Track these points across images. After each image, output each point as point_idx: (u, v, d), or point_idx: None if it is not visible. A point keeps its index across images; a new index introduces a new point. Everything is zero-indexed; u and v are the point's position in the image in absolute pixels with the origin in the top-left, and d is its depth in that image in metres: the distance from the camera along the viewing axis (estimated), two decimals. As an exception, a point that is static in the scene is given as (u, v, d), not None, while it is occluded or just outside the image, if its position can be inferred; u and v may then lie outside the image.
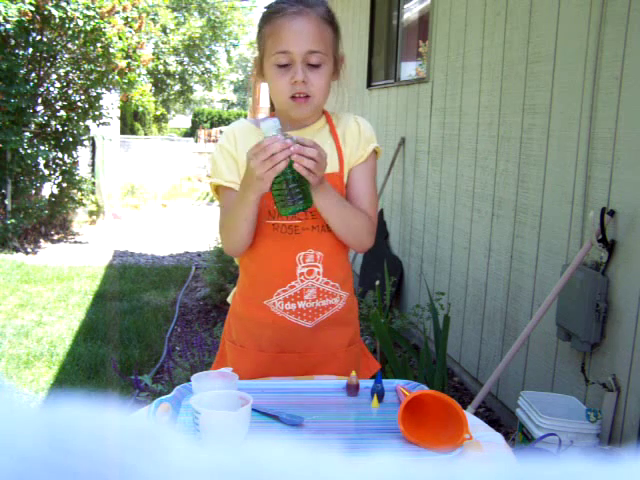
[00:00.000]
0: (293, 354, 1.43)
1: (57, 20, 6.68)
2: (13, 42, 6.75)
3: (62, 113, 7.39)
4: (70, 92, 7.49)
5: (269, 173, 1.20)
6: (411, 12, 4.74)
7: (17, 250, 6.80)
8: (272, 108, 1.51)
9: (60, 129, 7.40)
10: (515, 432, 2.42)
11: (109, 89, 7.78)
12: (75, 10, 6.73)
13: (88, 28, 6.88)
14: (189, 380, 1.20)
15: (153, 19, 17.17)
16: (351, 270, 1.54)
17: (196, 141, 22.90)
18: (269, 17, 1.36)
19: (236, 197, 1.33)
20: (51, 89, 7.35)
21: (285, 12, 1.32)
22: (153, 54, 16.97)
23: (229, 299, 1.58)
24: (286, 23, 1.32)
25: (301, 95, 1.33)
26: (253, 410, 1.08)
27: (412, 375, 2.77)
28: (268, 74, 1.38)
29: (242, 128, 1.44)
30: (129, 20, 7.63)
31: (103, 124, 7.86)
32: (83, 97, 7.53)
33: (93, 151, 9.22)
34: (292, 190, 1.21)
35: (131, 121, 19.87)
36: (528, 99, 2.81)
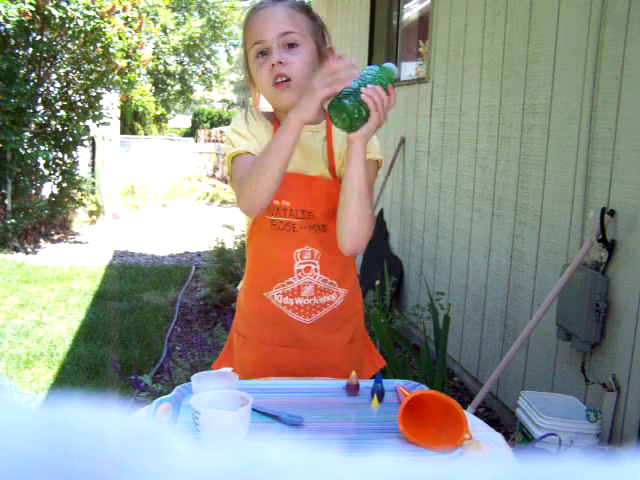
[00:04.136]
0: (293, 349, 1.45)
1: (57, 20, 6.67)
2: (13, 42, 6.75)
3: (62, 113, 7.39)
4: (70, 92, 7.49)
5: (324, 89, 1.19)
6: (411, 12, 4.74)
7: (17, 250, 6.80)
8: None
9: (60, 129, 7.40)
10: (515, 432, 2.42)
11: (109, 89, 7.78)
12: (75, 10, 6.73)
13: (88, 28, 6.88)
14: (189, 380, 1.20)
15: (153, 19, 17.16)
16: (353, 267, 1.55)
17: (196, 141, 22.89)
18: (244, 21, 1.41)
19: (275, 134, 1.28)
20: (51, 89, 7.35)
21: (255, 10, 1.38)
22: (153, 54, 16.96)
23: (240, 287, 1.60)
24: (256, 16, 1.36)
25: (282, 79, 1.33)
26: (253, 410, 1.08)
27: (412, 375, 2.77)
28: (252, 70, 1.39)
29: (253, 112, 1.44)
30: (129, 20, 7.62)
31: (103, 124, 7.86)
32: (83, 97, 7.53)
33: (93, 151, 9.22)
34: (347, 107, 1.19)
35: (131, 121, 19.87)
36: (528, 99, 2.81)
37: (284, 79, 1.33)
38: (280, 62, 1.32)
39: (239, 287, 1.61)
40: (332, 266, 1.42)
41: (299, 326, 1.44)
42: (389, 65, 1.25)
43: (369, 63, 5.38)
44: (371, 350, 1.61)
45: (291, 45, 1.33)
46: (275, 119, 1.44)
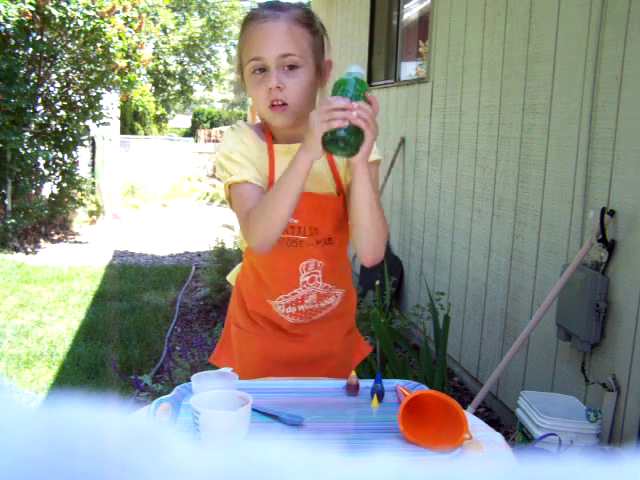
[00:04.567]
0: (294, 343, 1.49)
1: (57, 20, 6.67)
2: (13, 42, 6.75)
3: (62, 113, 7.39)
4: (70, 92, 7.49)
5: (322, 125, 1.16)
6: (411, 12, 4.74)
7: (17, 250, 6.80)
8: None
9: (60, 129, 7.40)
10: (515, 432, 2.42)
11: (109, 89, 7.78)
12: (75, 10, 6.73)
13: (88, 28, 6.88)
14: (189, 380, 1.20)
15: (153, 19, 17.17)
16: (349, 266, 1.57)
17: (196, 141, 22.89)
18: (243, 26, 1.34)
19: (285, 171, 1.25)
20: (51, 89, 7.35)
21: (254, 19, 1.30)
22: (153, 54, 16.97)
23: (230, 278, 1.61)
24: (256, 28, 1.30)
25: (278, 102, 1.29)
26: (253, 410, 1.08)
27: (412, 375, 2.77)
28: (247, 84, 1.35)
29: (245, 132, 1.39)
30: (129, 20, 7.62)
31: (103, 124, 7.86)
32: (83, 97, 7.53)
33: (93, 151, 9.21)
34: (343, 137, 1.18)
35: (131, 121, 19.87)
36: (528, 99, 2.81)
37: (281, 103, 1.30)
38: (278, 87, 1.28)
39: (230, 277, 1.62)
40: (333, 273, 1.44)
41: (299, 325, 1.48)
42: (357, 71, 1.22)
43: (369, 63, 5.38)
44: (358, 337, 1.66)
45: (290, 67, 1.29)
46: (267, 132, 1.40)
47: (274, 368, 1.44)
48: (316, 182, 1.37)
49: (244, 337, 1.52)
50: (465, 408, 1.90)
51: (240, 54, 1.36)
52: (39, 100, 7.14)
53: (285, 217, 1.25)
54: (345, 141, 1.18)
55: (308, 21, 1.33)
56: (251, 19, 1.32)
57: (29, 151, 6.75)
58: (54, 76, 7.35)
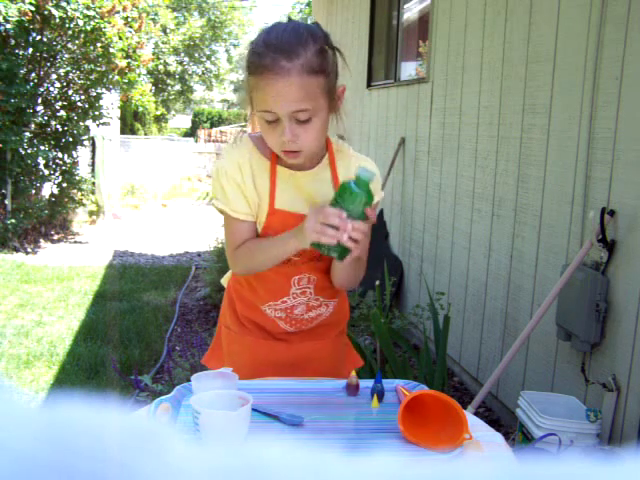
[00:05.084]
0: (282, 345, 1.50)
1: (57, 20, 6.67)
2: (13, 42, 6.75)
3: (62, 113, 7.39)
4: (70, 92, 7.49)
5: (313, 235, 1.20)
6: (411, 12, 4.74)
7: (17, 250, 6.80)
8: None
9: (60, 129, 7.40)
10: (515, 432, 2.42)
11: (109, 89, 7.78)
12: (75, 10, 6.73)
13: (88, 28, 6.88)
14: (189, 380, 1.20)
15: (153, 19, 17.18)
16: None
17: (196, 141, 22.88)
18: (252, 66, 1.25)
19: (277, 240, 1.32)
20: (51, 89, 7.35)
21: (265, 71, 1.21)
22: (153, 54, 16.97)
23: (223, 281, 1.62)
24: (266, 83, 1.21)
25: (292, 150, 1.28)
26: (253, 410, 1.08)
27: (412, 375, 2.77)
28: (258, 123, 1.32)
29: (245, 152, 1.36)
30: (129, 20, 7.63)
31: (103, 124, 7.86)
32: (83, 97, 7.53)
33: (93, 151, 9.22)
34: (327, 252, 1.24)
35: (131, 121, 19.86)
36: (528, 99, 2.81)
37: (294, 150, 1.28)
38: (292, 139, 1.25)
39: (224, 280, 1.63)
40: (325, 287, 1.46)
41: (289, 333, 1.50)
42: (364, 175, 1.20)
43: (369, 63, 5.38)
44: (349, 348, 1.66)
45: (303, 120, 1.25)
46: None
47: (263, 370, 1.44)
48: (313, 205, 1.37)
49: (234, 339, 1.52)
50: (465, 408, 1.90)
51: (249, 92, 1.29)
52: (39, 100, 7.14)
53: (267, 269, 1.38)
54: (330, 255, 1.25)
55: (321, 66, 1.24)
56: (260, 68, 1.22)
57: (29, 151, 6.75)
58: (54, 76, 7.35)
